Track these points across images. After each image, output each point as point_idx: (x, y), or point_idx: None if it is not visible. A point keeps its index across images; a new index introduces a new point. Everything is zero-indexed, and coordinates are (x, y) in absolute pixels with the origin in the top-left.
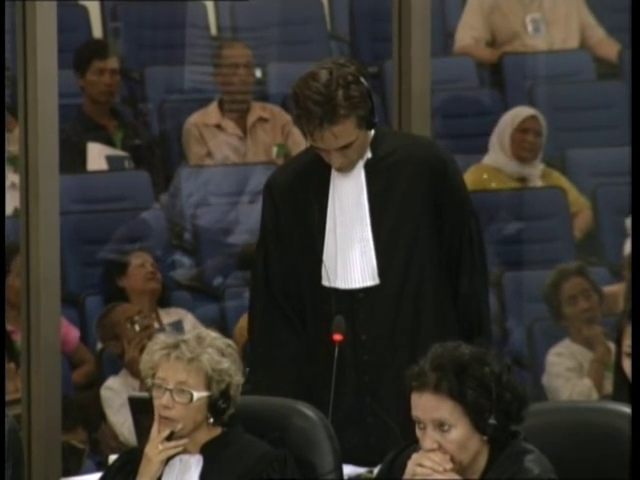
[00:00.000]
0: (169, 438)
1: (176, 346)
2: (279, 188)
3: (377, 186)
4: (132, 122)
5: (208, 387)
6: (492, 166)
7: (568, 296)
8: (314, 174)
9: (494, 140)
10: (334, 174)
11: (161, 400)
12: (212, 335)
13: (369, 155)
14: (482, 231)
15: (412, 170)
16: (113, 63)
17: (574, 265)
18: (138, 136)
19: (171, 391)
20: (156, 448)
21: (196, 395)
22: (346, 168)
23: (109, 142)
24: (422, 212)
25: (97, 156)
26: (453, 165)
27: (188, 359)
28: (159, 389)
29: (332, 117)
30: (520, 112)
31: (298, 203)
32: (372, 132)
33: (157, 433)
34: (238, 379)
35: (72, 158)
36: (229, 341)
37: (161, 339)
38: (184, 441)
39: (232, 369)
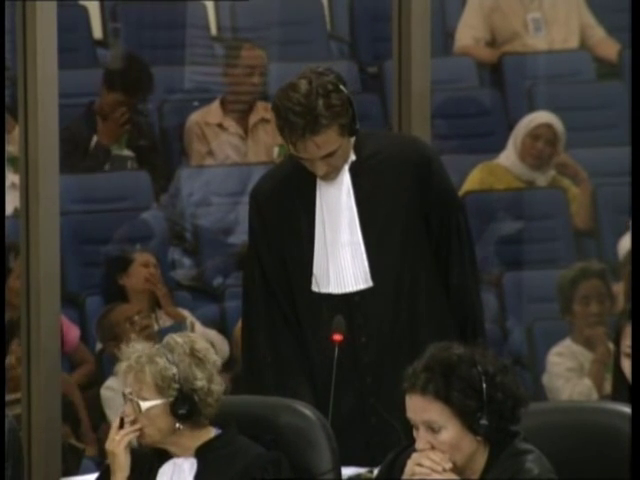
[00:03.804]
0: (121, 427)
1: (133, 358)
2: (264, 197)
3: (364, 188)
4: (139, 121)
5: (160, 394)
6: (502, 165)
7: (582, 296)
8: (299, 182)
9: (511, 138)
10: (319, 180)
11: (124, 409)
12: (177, 341)
13: (353, 157)
14: (470, 223)
15: (397, 169)
16: None
17: (597, 267)
18: (143, 137)
19: (131, 400)
20: (113, 440)
21: (143, 405)
22: (330, 175)
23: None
24: (410, 210)
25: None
26: (437, 161)
27: (137, 370)
28: (125, 398)
29: (314, 127)
30: (537, 117)
31: (284, 211)
32: (355, 137)
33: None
34: (201, 383)
35: (74, 156)
36: (202, 343)
37: (126, 350)
38: (137, 426)
39: (187, 374)
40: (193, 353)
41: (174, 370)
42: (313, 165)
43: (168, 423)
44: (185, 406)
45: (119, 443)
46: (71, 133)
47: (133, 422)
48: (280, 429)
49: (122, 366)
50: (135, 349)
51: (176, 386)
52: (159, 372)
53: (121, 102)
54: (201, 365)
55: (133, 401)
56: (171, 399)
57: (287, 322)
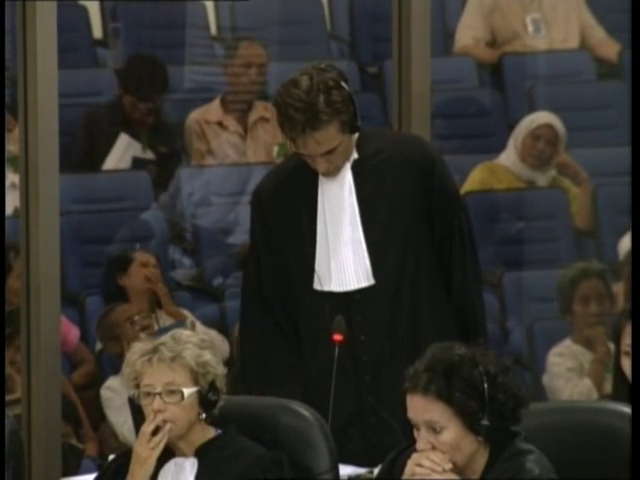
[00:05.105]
0: (155, 433)
1: (155, 350)
2: (267, 196)
3: (366, 186)
4: (162, 126)
5: (196, 382)
6: (503, 165)
7: (582, 296)
8: (301, 179)
9: (511, 138)
10: (321, 178)
11: (152, 405)
12: (186, 333)
13: (355, 156)
14: (472, 224)
15: (400, 168)
16: None
17: (597, 267)
18: (165, 142)
19: (160, 394)
20: (147, 446)
21: (186, 392)
22: (332, 172)
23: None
24: (413, 209)
25: (124, 148)
26: (441, 161)
27: (170, 358)
28: (148, 396)
29: (314, 123)
30: (538, 117)
31: (287, 210)
32: (357, 134)
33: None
34: (221, 369)
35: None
36: (203, 335)
37: (138, 347)
38: (168, 426)
39: (214, 360)
40: (203, 341)
41: (208, 356)
42: (314, 162)
43: (195, 414)
44: (215, 393)
45: (153, 451)
46: (90, 122)
47: (164, 421)
48: (278, 429)
49: (139, 362)
50: (151, 343)
51: (212, 371)
52: (197, 358)
53: (137, 104)
54: (214, 352)
55: (170, 392)
56: (205, 386)
57: (279, 328)
